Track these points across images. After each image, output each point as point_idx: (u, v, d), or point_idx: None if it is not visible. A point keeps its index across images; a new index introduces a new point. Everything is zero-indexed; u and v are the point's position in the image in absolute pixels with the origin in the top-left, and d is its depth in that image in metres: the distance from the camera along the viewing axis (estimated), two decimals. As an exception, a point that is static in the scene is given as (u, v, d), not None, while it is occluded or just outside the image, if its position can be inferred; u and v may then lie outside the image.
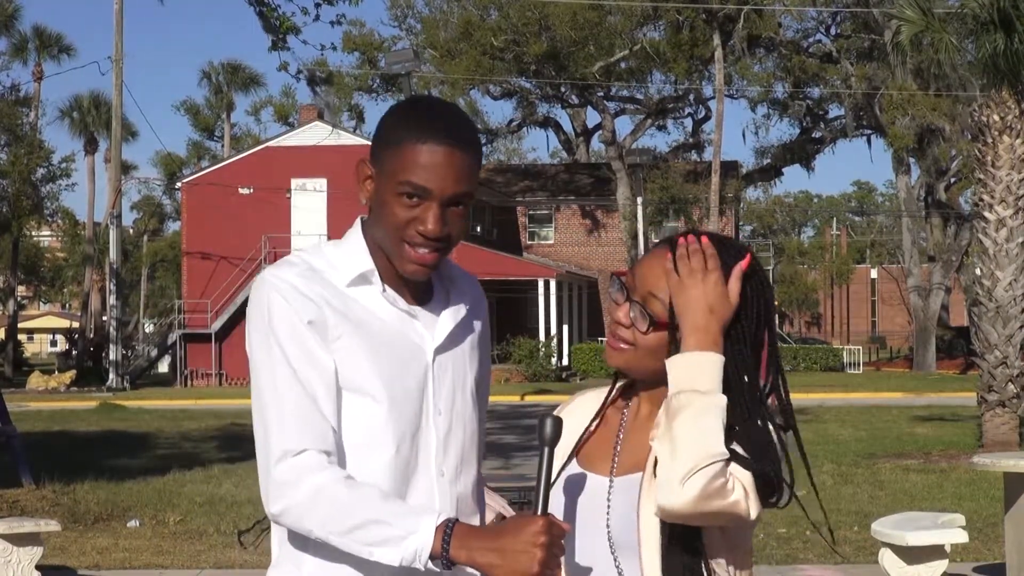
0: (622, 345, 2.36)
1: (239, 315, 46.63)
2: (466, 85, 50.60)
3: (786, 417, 2.35)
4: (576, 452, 2.46)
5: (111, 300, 45.98)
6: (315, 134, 47.92)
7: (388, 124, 2.48)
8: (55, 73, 68.16)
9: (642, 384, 2.42)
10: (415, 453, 2.49)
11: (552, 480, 2.41)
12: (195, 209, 48.58)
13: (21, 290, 79.55)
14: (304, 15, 16.70)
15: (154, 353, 52.87)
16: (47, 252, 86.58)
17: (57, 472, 15.14)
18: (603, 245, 54.43)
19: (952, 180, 52.00)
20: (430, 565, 2.31)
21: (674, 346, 2.32)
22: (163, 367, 54.09)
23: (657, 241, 2.43)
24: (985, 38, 17.25)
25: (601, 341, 50.70)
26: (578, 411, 2.53)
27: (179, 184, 52.09)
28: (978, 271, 18.34)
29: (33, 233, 68.65)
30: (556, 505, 2.41)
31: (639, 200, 45.28)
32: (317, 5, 16.55)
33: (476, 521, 2.58)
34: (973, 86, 24.66)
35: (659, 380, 2.35)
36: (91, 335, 60.57)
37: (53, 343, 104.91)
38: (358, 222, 2.59)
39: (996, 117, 17.24)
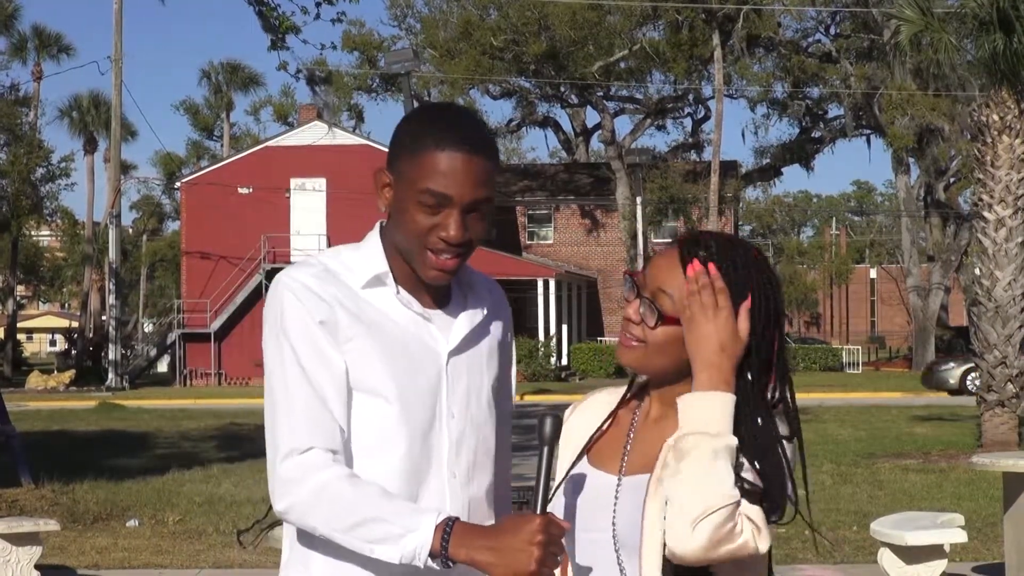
0: (633, 342, 2.37)
1: (238, 315, 46.65)
2: (465, 85, 50.58)
3: (791, 424, 2.35)
4: (587, 451, 2.46)
5: (110, 300, 45.98)
6: (314, 134, 47.94)
7: (405, 132, 2.50)
8: (54, 73, 68.23)
9: (653, 384, 2.43)
10: (427, 455, 2.51)
11: (561, 478, 2.42)
12: (194, 209, 48.58)
13: (20, 290, 79.55)
14: (304, 14, 16.70)
15: (153, 353, 52.86)
16: (46, 252, 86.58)
17: (56, 472, 15.13)
18: (602, 245, 54.42)
19: (951, 180, 52.00)
20: (430, 563, 2.32)
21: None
22: (162, 367, 54.08)
23: (669, 241, 2.44)
24: (984, 38, 17.24)
25: (600, 341, 50.73)
26: (591, 410, 2.53)
27: (178, 184, 52.09)
28: (977, 271, 18.34)
29: (32, 233, 68.67)
30: (564, 503, 2.41)
31: (638, 200, 45.30)
32: (317, 4, 16.55)
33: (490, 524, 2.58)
34: (972, 86, 24.65)
35: (668, 378, 2.37)
36: (90, 335, 60.56)
37: (52, 343, 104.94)
38: (377, 227, 2.60)
39: (995, 117, 17.24)
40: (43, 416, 28.63)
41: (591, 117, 58.64)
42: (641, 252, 45.01)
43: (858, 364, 53.10)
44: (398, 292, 2.52)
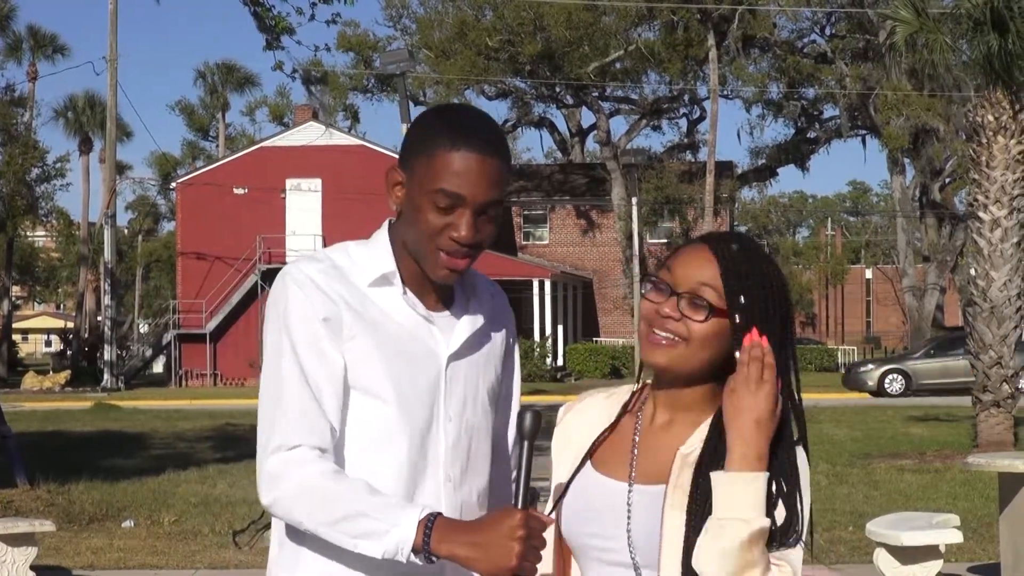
0: (667, 341, 2.34)
1: (234, 315, 46.64)
2: (461, 85, 50.57)
3: (800, 427, 2.36)
4: (590, 455, 2.44)
5: (106, 300, 45.97)
6: (310, 134, 47.93)
7: (419, 132, 2.50)
8: (50, 73, 68.28)
9: (664, 387, 2.40)
10: (423, 457, 2.52)
11: (566, 482, 2.41)
12: (190, 209, 48.55)
13: (16, 290, 79.45)
14: (299, 15, 16.70)
15: (149, 353, 52.83)
16: (42, 252, 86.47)
17: (52, 472, 15.11)
18: (598, 245, 54.43)
19: (947, 180, 52.04)
20: (413, 558, 2.34)
21: (736, 331, 2.31)
22: (158, 367, 54.04)
23: (692, 239, 2.43)
24: (979, 39, 17.26)
25: (596, 341, 50.74)
26: (589, 412, 2.51)
27: (174, 184, 52.10)
28: (973, 271, 18.35)
29: (28, 233, 68.55)
30: (572, 507, 2.40)
31: (634, 200, 45.27)
32: (312, 5, 16.56)
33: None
34: (967, 86, 24.67)
35: (700, 377, 2.36)
36: (86, 335, 60.52)
37: (48, 343, 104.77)
38: (385, 224, 2.61)
39: (990, 117, 17.25)
40: (38, 417, 28.60)
41: (586, 118, 58.70)
42: (637, 252, 44.98)
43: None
44: (404, 292, 2.53)
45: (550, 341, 47.02)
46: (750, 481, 2.24)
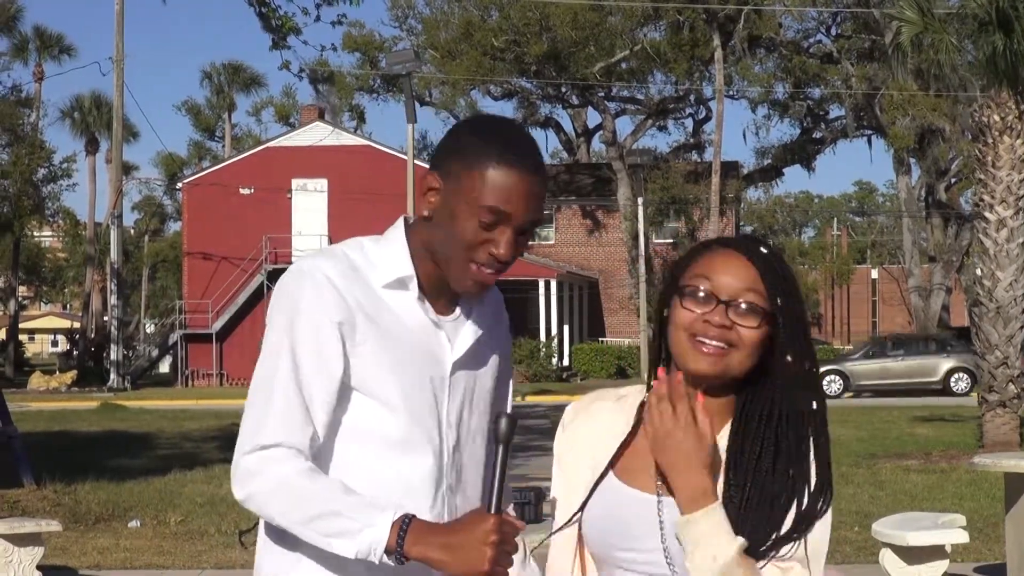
0: (724, 347, 2.33)
1: (240, 315, 46.66)
2: (467, 85, 50.59)
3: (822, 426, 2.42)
4: (611, 466, 2.43)
5: (112, 300, 46.00)
6: (316, 134, 47.94)
7: (463, 141, 2.47)
8: (56, 74, 68.29)
9: (696, 388, 2.39)
10: (425, 464, 2.52)
11: (588, 493, 2.40)
12: (196, 209, 48.59)
13: (22, 290, 79.58)
14: (305, 15, 16.73)
15: (155, 353, 52.89)
16: (48, 252, 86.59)
17: (58, 472, 15.14)
18: (604, 245, 54.39)
19: (952, 180, 51.98)
20: (385, 559, 2.34)
21: (780, 338, 2.35)
22: (164, 367, 54.11)
23: (711, 244, 2.43)
24: (984, 38, 17.24)
25: (601, 341, 50.72)
26: (598, 417, 2.49)
27: (180, 184, 52.13)
28: (979, 271, 18.34)
29: (34, 233, 68.69)
30: (595, 517, 2.39)
31: (640, 200, 45.29)
32: (318, 6, 16.58)
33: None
34: (973, 87, 24.65)
35: (731, 385, 2.37)
36: (92, 335, 60.59)
37: (54, 343, 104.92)
38: (401, 222, 2.58)
39: (996, 117, 17.24)
40: (45, 417, 28.64)
41: (592, 118, 58.66)
42: (642, 252, 44.99)
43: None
44: (420, 299, 2.51)
45: (556, 341, 47.01)
46: (702, 519, 2.27)
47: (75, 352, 65.12)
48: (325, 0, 16.56)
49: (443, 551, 2.31)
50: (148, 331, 65.73)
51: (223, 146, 72.55)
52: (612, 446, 2.44)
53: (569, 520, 2.36)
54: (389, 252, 2.53)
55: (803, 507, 2.30)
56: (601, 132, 55.99)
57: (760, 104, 53.85)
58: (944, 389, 35.40)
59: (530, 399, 35.99)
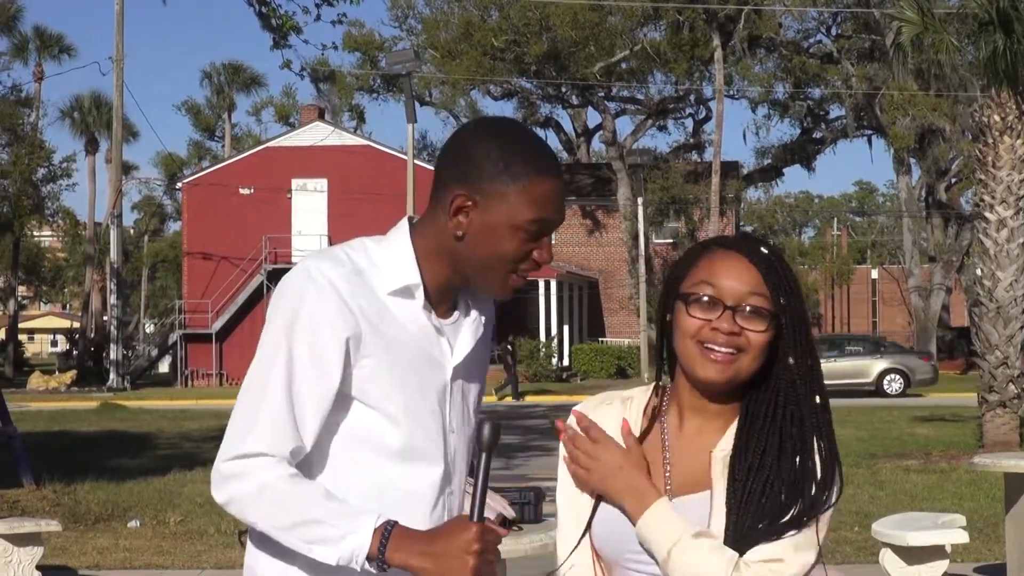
0: (732, 353, 2.33)
1: (240, 315, 46.66)
2: (467, 86, 50.59)
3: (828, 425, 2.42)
4: None
5: (112, 300, 46.00)
6: (316, 134, 47.94)
7: (492, 155, 2.41)
8: (56, 73, 68.29)
9: (700, 398, 2.39)
10: (436, 473, 2.50)
11: (598, 499, 2.40)
12: (196, 209, 48.59)
13: (22, 290, 79.56)
14: (305, 14, 16.73)
15: (155, 353, 52.90)
16: (48, 252, 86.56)
17: (58, 472, 15.14)
18: (604, 245, 54.39)
19: (953, 180, 52.00)
20: (367, 566, 2.32)
21: (784, 338, 2.35)
22: (164, 367, 54.11)
23: (710, 246, 2.42)
24: (985, 39, 17.24)
25: (601, 341, 50.71)
26: (605, 422, 2.47)
27: (180, 184, 52.13)
28: (979, 271, 18.34)
29: (34, 233, 68.67)
30: (607, 523, 2.39)
31: (640, 200, 45.29)
32: (318, 5, 16.59)
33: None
34: (973, 87, 24.66)
35: (737, 389, 2.37)
36: (92, 335, 60.59)
37: (54, 343, 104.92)
38: (404, 223, 2.53)
39: (996, 117, 17.24)
40: (44, 417, 28.64)
41: (592, 118, 58.68)
42: (642, 252, 44.99)
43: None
44: (425, 305, 2.47)
45: (556, 341, 47.01)
46: (650, 518, 2.31)
47: (75, 352, 65.14)
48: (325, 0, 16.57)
49: (425, 559, 2.29)
50: (148, 331, 65.73)
51: (223, 146, 72.55)
52: None
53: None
54: (394, 257, 2.47)
55: (807, 502, 2.30)
56: (601, 132, 55.99)
57: (760, 104, 53.87)
58: (877, 390, 35.44)
59: (529, 399, 36.00)
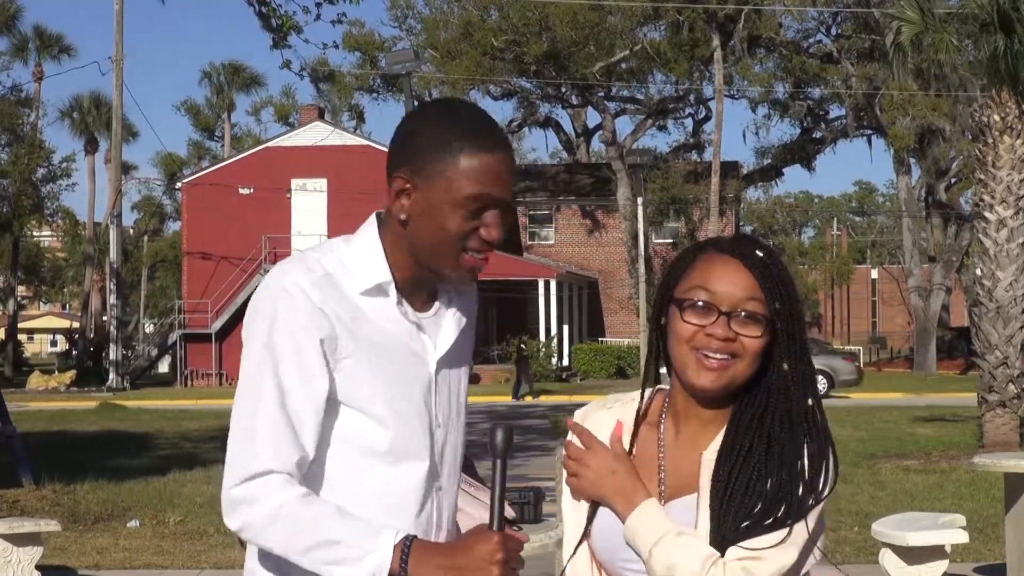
0: (727, 359, 2.31)
1: (239, 315, 46.60)
2: (466, 85, 50.55)
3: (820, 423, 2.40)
4: None
5: (111, 300, 46.00)
6: (315, 134, 47.93)
7: (431, 134, 2.39)
8: (55, 73, 68.26)
9: (698, 404, 2.38)
10: (420, 471, 2.46)
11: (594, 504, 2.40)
12: (195, 209, 48.58)
13: (21, 290, 79.56)
14: (305, 14, 16.74)
15: (154, 353, 52.89)
16: (47, 252, 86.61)
17: (57, 472, 15.14)
18: (603, 245, 54.40)
19: (952, 180, 52.00)
20: None
21: (778, 342, 2.34)
22: (163, 367, 54.11)
23: (706, 248, 2.40)
24: (985, 39, 17.24)
25: (601, 341, 50.70)
26: (602, 429, 2.47)
27: (179, 184, 52.11)
28: (979, 271, 18.33)
29: (33, 233, 68.68)
30: (604, 529, 2.39)
31: (639, 200, 45.26)
32: (318, 4, 16.59)
33: (456, 534, 2.54)
34: (973, 87, 24.66)
35: (733, 394, 2.36)
36: (91, 335, 60.59)
37: (53, 343, 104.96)
38: (373, 219, 2.51)
39: (996, 117, 17.23)
40: (44, 417, 28.64)
41: (592, 118, 58.72)
42: (642, 252, 44.96)
43: (859, 365, 53.09)
44: (399, 302, 2.44)
45: (555, 341, 47.00)
46: (638, 517, 2.31)
47: (74, 352, 65.16)
48: (326, -1, 16.58)
49: (448, 573, 2.25)
50: (147, 331, 65.73)
51: (223, 146, 72.57)
52: None
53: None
54: (364, 255, 2.44)
55: (792, 504, 2.28)
56: (601, 132, 56.01)
57: (760, 104, 53.92)
58: None
59: (529, 399, 36.02)
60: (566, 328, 49.85)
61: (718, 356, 2.31)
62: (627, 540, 2.31)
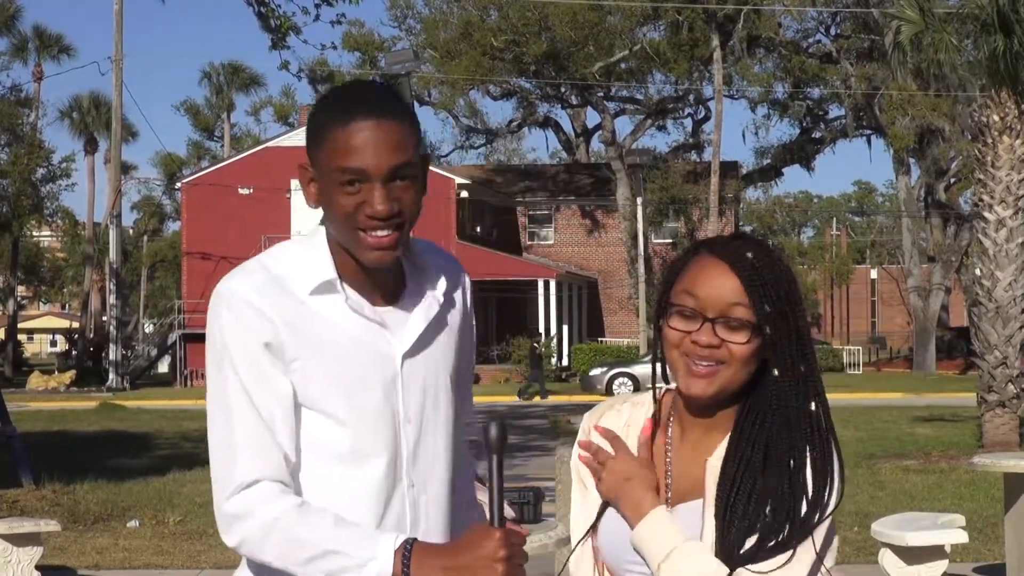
0: (714, 365, 2.29)
1: (239, 315, 46.66)
2: (466, 85, 50.59)
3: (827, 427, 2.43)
4: None
5: (111, 300, 46.00)
6: (315, 134, 47.92)
7: (312, 119, 2.39)
8: (55, 73, 68.28)
9: (702, 408, 2.36)
10: (388, 467, 2.41)
11: (601, 507, 2.39)
12: (195, 209, 48.60)
13: (21, 290, 79.54)
14: (304, 15, 16.73)
15: (154, 353, 52.90)
16: (47, 252, 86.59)
17: (57, 472, 15.14)
18: (603, 245, 54.40)
19: (952, 180, 52.01)
20: None
21: (770, 348, 2.31)
22: (163, 367, 54.10)
23: (698, 250, 2.38)
24: (984, 39, 17.25)
25: (601, 341, 50.69)
26: (613, 429, 2.46)
27: (179, 184, 52.12)
28: (978, 271, 18.34)
29: (33, 233, 68.69)
30: (610, 531, 2.38)
31: (639, 200, 45.28)
32: (317, 5, 16.59)
33: (445, 534, 2.49)
34: (973, 87, 24.67)
35: (735, 397, 2.34)
36: (91, 335, 60.57)
37: (53, 343, 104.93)
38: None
39: (996, 117, 17.24)
40: (44, 417, 28.63)
41: (591, 118, 58.71)
42: (642, 252, 44.99)
43: (859, 365, 53.10)
44: (348, 299, 2.39)
45: (555, 341, 47.00)
46: (646, 527, 2.31)
47: (74, 352, 65.15)
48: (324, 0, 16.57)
49: (451, 573, 2.22)
50: (147, 331, 65.71)
51: (222, 146, 72.56)
52: None
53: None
54: (311, 254, 2.42)
55: (796, 522, 2.27)
56: (600, 132, 56.01)
57: (760, 104, 53.92)
58: None
59: (538, 399, 36.03)
60: (566, 328, 49.85)
61: (705, 363, 2.29)
62: (634, 547, 2.31)
